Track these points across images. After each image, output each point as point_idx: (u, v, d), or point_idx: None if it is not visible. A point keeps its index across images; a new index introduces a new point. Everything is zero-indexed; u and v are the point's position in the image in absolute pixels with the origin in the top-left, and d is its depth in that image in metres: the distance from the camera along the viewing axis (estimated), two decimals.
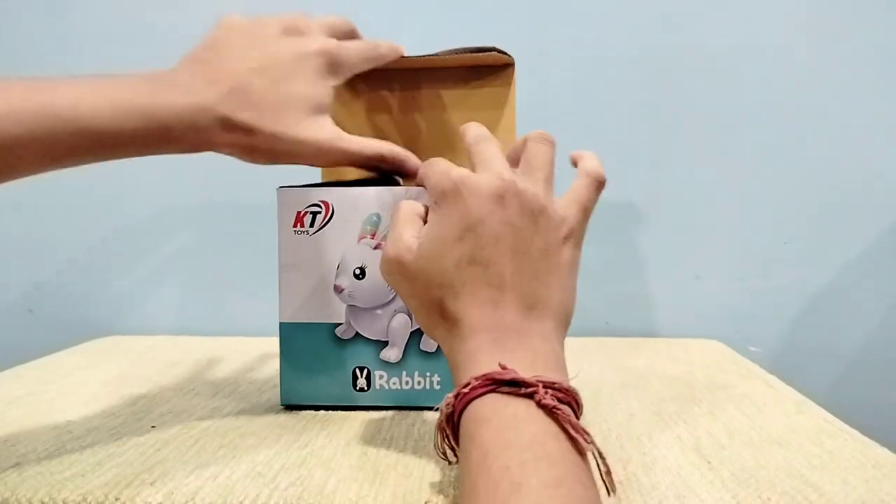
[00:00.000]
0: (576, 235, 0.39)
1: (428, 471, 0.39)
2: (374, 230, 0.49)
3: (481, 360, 0.33)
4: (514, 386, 0.31)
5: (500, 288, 0.35)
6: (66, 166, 0.40)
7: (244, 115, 0.41)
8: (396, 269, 0.38)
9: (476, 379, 0.31)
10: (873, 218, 0.77)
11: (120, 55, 0.82)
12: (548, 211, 0.37)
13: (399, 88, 0.59)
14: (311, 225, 0.49)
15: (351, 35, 0.50)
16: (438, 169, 0.38)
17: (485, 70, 0.56)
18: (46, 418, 0.49)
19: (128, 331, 0.82)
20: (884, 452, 0.42)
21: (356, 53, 0.47)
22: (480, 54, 0.54)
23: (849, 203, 0.77)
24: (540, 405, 0.30)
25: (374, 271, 0.49)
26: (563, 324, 0.37)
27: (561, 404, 0.30)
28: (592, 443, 0.29)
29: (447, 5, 0.78)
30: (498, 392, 0.31)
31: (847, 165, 0.77)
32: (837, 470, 0.39)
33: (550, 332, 0.35)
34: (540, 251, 0.36)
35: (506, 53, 0.54)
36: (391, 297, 0.49)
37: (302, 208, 0.49)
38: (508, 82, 0.56)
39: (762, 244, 0.79)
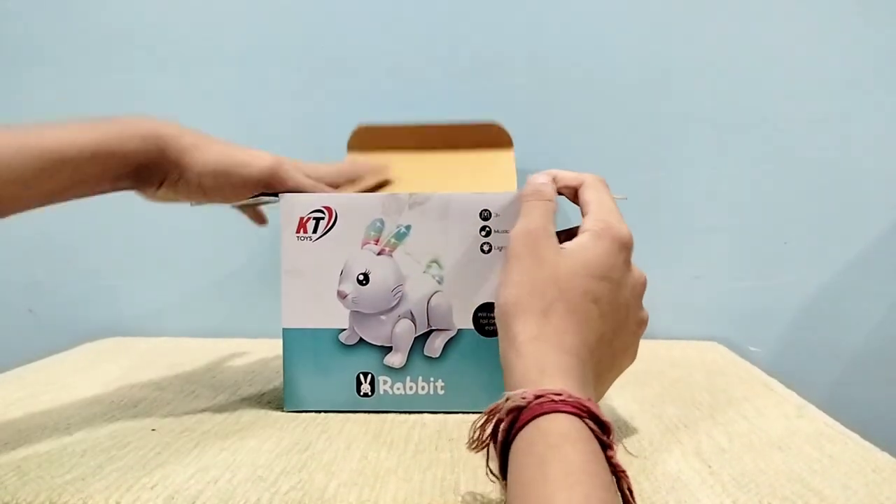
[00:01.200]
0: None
1: (429, 475, 0.39)
2: (378, 236, 0.49)
3: (573, 385, 0.33)
4: (599, 427, 0.31)
5: (597, 341, 0.38)
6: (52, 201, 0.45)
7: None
8: (533, 242, 0.39)
9: (571, 397, 0.32)
10: (873, 218, 0.77)
11: (120, 55, 0.81)
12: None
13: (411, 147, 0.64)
14: (315, 231, 0.50)
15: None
16: (609, 202, 0.42)
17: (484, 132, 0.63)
18: (47, 420, 0.49)
19: (128, 332, 0.82)
20: (884, 457, 0.42)
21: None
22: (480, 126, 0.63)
23: (849, 203, 0.77)
24: (611, 461, 0.31)
25: (377, 277, 0.49)
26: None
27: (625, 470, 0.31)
28: None
29: (450, 11, 0.78)
30: (584, 422, 0.31)
31: (847, 165, 0.77)
32: (837, 474, 0.39)
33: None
34: (624, 348, 0.42)
35: (504, 130, 0.63)
36: (395, 302, 0.49)
37: (305, 214, 0.50)
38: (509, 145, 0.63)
39: (762, 244, 0.79)
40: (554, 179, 0.44)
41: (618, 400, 0.54)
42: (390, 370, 0.50)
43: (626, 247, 0.40)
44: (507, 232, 0.48)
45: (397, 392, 0.50)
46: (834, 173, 0.77)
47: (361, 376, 0.50)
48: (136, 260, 0.83)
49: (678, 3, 0.77)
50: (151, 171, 0.47)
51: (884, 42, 0.75)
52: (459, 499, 0.36)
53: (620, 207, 0.42)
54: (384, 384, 0.50)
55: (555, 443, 0.29)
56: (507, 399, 0.33)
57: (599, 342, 0.38)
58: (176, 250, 0.83)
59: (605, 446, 0.31)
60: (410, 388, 0.50)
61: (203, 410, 0.51)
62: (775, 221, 0.78)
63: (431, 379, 0.50)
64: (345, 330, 0.50)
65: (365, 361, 0.50)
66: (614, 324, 0.39)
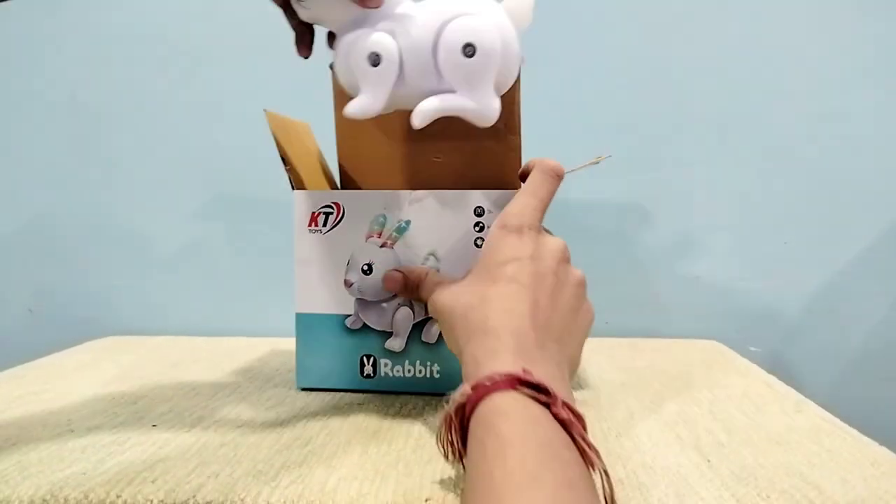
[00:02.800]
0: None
1: (429, 469, 0.39)
2: (381, 230, 0.53)
3: (504, 359, 0.34)
4: (535, 390, 0.32)
5: (531, 309, 0.39)
6: None
7: None
8: (513, 228, 0.42)
9: (499, 375, 0.32)
10: (873, 218, 0.77)
11: (120, 56, 0.82)
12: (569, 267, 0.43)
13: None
14: (325, 224, 0.53)
15: None
16: (525, 187, 0.44)
17: None
18: (48, 417, 0.49)
19: (128, 331, 0.82)
20: (882, 451, 0.42)
21: None
22: None
23: (849, 203, 0.77)
24: (556, 416, 0.31)
25: (380, 268, 0.52)
26: (571, 373, 0.40)
27: (574, 420, 0.31)
28: (601, 460, 0.30)
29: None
30: (519, 391, 0.32)
31: (847, 165, 0.77)
32: (836, 468, 0.39)
33: (563, 366, 0.38)
34: (573, 310, 0.42)
35: None
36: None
37: (316, 209, 0.53)
38: (513, 88, 0.56)
39: (762, 244, 0.79)
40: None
41: (617, 396, 0.54)
42: (391, 353, 0.53)
43: (506, 227, 0.42)
44: None
45: (397, 374, 0.54)
46: (834, 173, 0.77)
47: (364, 358, 0.54)
48: (136, 260, 0.84)
49: (678, 2, 0.77)
50: None
51: (884, 42, 0.75)
52: (460, 493, 0.36)
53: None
54: (385, 366, 0.54)
55: (490, 421, 0.31)
56: (450, 402, 0.34)
57: (534, 309, 0.38)
58: (175, 250, 0.83)
59: (547, 405, 0.31)
60: (409, 371, 0.53)
61: (203, 407, 0.51)
62: (775, 221, 0.79)
63: (428, 363, 0.53)
64: (350, 316, 0.53)
65: (368, 345, 0.54)
66: (544, 290, 0.40)
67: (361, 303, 0.53)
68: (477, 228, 0.52)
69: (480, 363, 0.35)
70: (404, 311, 0.53)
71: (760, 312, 0.79)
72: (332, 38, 0.45)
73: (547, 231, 0.45)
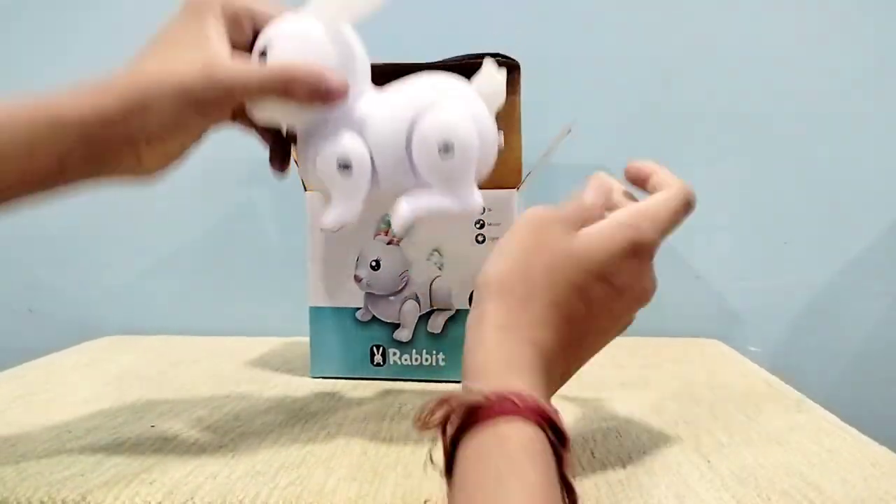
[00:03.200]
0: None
1: (428, 470, 0.39)
2: (388, 228, 0.56)
3: (535, 378, 0.32)
4: (556, 435, 0.29)
5: (576, 341, 0.35)
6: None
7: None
8: (539, 221, 0.36)
9: (533, 400, 0.29)
10: (873, 218, 0.77)
11: (120, 56, 0.82)
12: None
13: None
14: None
15: None
16: (666, 207, 0.38)
17: None
18: (46, 418, 0.49)
19: (127, 331, 0.82)
20: (882, 451, 0.42)
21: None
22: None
23: (849, 203, 0.77)
24: (562, 476, 0.28)
25: (387, 264, 0.57)
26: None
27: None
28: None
29: (453, 13, 0.78)
30: (544, 431, 0.28)
31: (847, 165, 0.77)
32: (836, 468, 0.39)
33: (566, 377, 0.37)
34: (601, 346, 0.39)
35: (509, 58, 0.54)
36: (402, 285, 0.57)
37: None
38: (514, 89, 0.56)
39: (762, 244, 0.79)
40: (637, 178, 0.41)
41: (617, 396, 0.54)
42: (399, 343, 0.58)
43: (640, 253, 0.36)
44: (499, 225, 0.55)
45: (405, 362, 0.58)
46: (834, 173, 0.77)
47: (374, 348, 0.58)
48: (135, 259, 0.84)
49: (679, 2, 0.77)
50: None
51: (884, 42, 0.75)
52: None
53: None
54: (393, 355, 0.58)
55: (514, 456, 0.27)
56: (466, 390, 0.30)
57: (578, 343, 0.36)
58: (175, 250, 0.83)
59: (560, 461, 0.28)
60: (416, 360, 0.58)
61: (202, 407, 0.51)
62: (775, 221, 0.78)
63: (434, 352, 0.57)
64: (360, 308, 0.58)
65: (377, 335, 0.58)
66: (601, 329, 0.37)
67: (370, 296, 0.57)
68: (477, 226, 0.56)
69: (512, 366, 0.32)
70: (411, 304, 0.57)
71: (760, 312, 0.79)
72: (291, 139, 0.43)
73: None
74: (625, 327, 0.39)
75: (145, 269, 0.84)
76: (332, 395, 0.54)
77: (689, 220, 0.82)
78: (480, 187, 0.54)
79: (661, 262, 0.81)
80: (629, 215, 0.36)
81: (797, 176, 0.78)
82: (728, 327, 0.79)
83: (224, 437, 0.45)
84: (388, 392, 0.55)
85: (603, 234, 0.36)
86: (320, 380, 0.59)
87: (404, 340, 0.57)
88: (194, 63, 0.37)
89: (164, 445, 0.43)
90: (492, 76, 0.40)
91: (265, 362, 0.66)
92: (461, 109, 0.39)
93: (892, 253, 0.77)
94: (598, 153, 0.79)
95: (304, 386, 0.58)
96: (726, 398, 0.53)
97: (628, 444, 0.43)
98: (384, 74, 0.57)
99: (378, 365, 0.58)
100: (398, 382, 0.58)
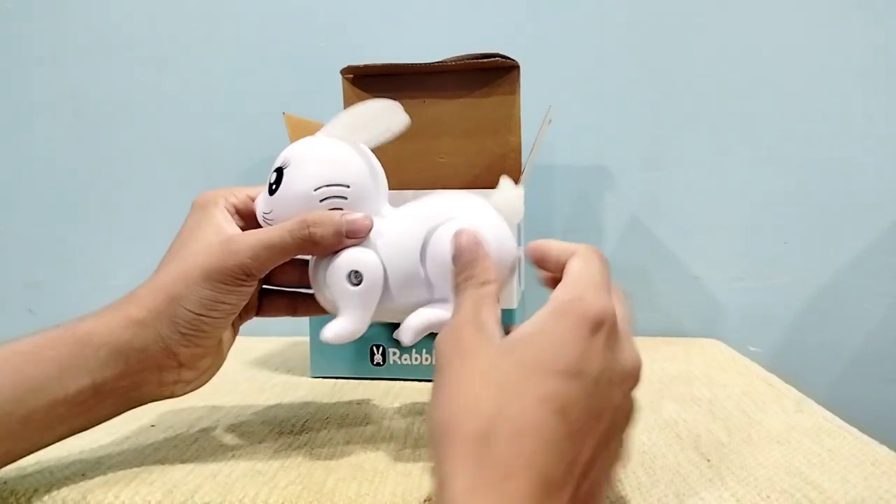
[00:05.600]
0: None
1: (428, 470, 0.39)
2: None
3: None
4: None
5: (565, 471, 0.25)
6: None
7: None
8: (457, 339, 0.29)
9: None
10: (873, 218, 0.77)
11: (120, 56, 0.82)
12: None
13: (408, 96, 0.59)
14: None
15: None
16: (594, 272, 0.31)
17: (492, 74, 0.57)
18: None
19: None
20: (883, 450, 0.42)
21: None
22: (484, 60, 0.56)
23: (849, 203, 0.77)
24: None
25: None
26: None
27: None
28: None
29: (452, 13, 0.78)
30: None
31: (847, 165, 0.77)
32: (837, 468, 0.39)
33: None
34: (610, 460, 0.29)
35: (509, 58, 0.55)
36: None
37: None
38: (514, 89, 0.57)
39: (762, 244, 0.79)
40: (539, 257, 0.35)
41: None
42: (398, 344, 0.55)
43: (600, 325, 0.28)
44: None
45: (404, 362, 0.58)
46: (834, 173, 0.77)
47: (374, 348, 0.59)
48: (135, 259, 0.83)
49: (678, 2, 0.77)
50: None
51: (884, 42, 0.75)
52: None
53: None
54: (393, 355, 0.59)
55: None
56: None
57: (568, 471, 0.25)
58: None
59: None
60: (416, 359, 0.58)
61: (201, 407, 0.51)
62: (775, 221, 0.78)
63: (434, 351, 0.55)
64: None
65: (377, 336, 0.58)
66: (593, 441, 0.27)
67: None
68: None
69: None
70: None
71: (760, 312, 0.79)
72: None
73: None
74: (629, 421, 0.30)
75: (145, 269, 0.83)
76: (331, 395, 0.54)
77: (689, 220, 0.83)
78: (480, 187, 0.54)
79: (661, 262, 0.82)
80: (563, 291, 0.30)
81: (797, 176, 0.78)
82: (728, 327, 0.79)
83: (223, 436, 0.45)
84: (387, 392, 0.55)
85: (546, 323, 0.28)
86: (320, 380, 0.60)
87: None
88: (212, 246, 0.38)
89: (164, 445, 0.43)
90: (509, 192, 0.40)
91: (265, 362, 0.66)
92: (478, 221, 0.38)
93: (892, 253, 0.77)
94: (598, 153, 0.79)
95: (304, 386, 0.58)
96: (726, 397, 0.53)
97: (627, 444, 0.43)
98: (384, 74, 0.58)
99: (378, 365, 0.59)
100: (398, 382, 0.58)
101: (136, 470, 0.39)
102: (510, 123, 0.57)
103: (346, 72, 0.59)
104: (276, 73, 0.80)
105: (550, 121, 0.58)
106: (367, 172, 0.39)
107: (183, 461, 0.40)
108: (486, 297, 0.32)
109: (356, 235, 0.37)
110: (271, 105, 0.78)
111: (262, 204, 0.40)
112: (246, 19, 0.80)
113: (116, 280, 0.84)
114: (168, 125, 0.82)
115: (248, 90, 0.81)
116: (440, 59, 0.57)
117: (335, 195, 0.38)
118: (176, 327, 0.37)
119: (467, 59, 0.56)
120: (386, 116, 0.39)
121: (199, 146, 0.82)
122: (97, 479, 0.38)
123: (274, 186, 0.38)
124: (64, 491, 0.36)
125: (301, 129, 0.59)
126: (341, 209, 0.38)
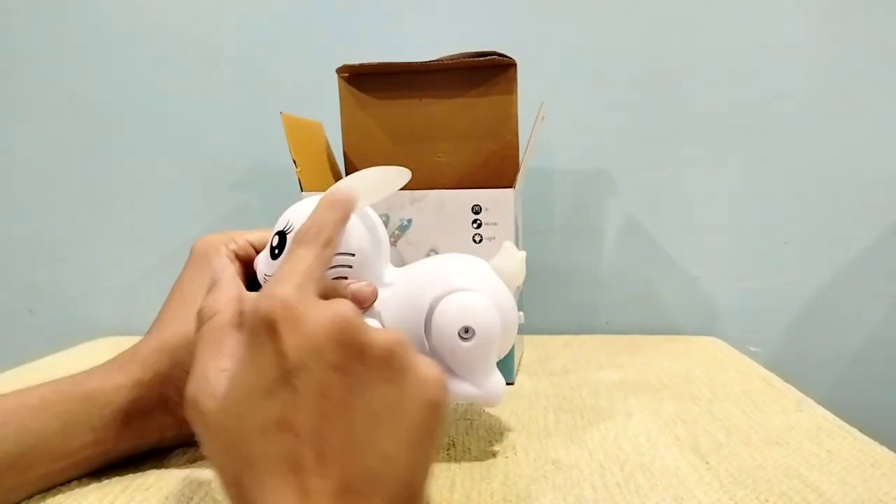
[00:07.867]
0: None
1: None
2: (402, 234, 0.55)
3: None
4: None
5: (313, 469, 0.24)
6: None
7: None
8: (195, 418, 0.27)
9: None
10: (873, 218, 0.77)
11: (120, 56, 0.82)
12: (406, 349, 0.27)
13: (405, 95, 0.59)
14: None
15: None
16: (265, 288, 0.28)
17: (489, 73, 0.57)
18: None
19: (127, 331, 0.82)
20: (882, 451, 0.41)
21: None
22: (481, 58, 0.56)
23: (849, 203, 0.77)
24: None
25: None
26: None
27: None
28: None
29: (451, 13, 0.78)
30: None
31: (847, 165, 0.77)
32: (836, 469, 0.39)
33: None
34: (387, 407, 0.26)
35: (507, 57, 0.55)
36: None
37: None
38: (511, 88, 0.56)
39: (762, 244, 0.78)
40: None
41: (616, 395, 0.53)
42: None
43: (268, 325, 0.26)
44: (496, 224, 0.54)
45: None
46: (834, 173, 0.77)
47: None
48: (136, 259, 0.83)
49: (679, 2, 0.77)
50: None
51: (884, 42, 0.75)
52: (455, 497, 0.36)
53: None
54: None
55: None
56: None
57: (330, 460, 0.24)
58: (175, 250, 0.83)
59: None
60: None
61: None
62: (775, 221, 0.78)
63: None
64: None
65: None
66: (340, 416, 0.25)
67: None
68: (475, 225, 0.55)
69: None
70: None
71: (760, 312, 0.79)
72: None
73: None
74: (386, 395, 0.26)
75: (145, 269, 0.84)
76: None
77: (688, 220, 0.82)
78: (477, 186, 0.54)
79: (662, 262, 0.82)
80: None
81: (797, 176, 0.77)
82: (728, 327, 0.79)
83: None
84: None
85: (237, 352, 0.28)
86: None
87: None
88: None
89: (160, 451, 0.43)
90: (511, 255, 0.40)
91: None
92: (480, 290, 0.37)
93: (892, 253, 0.77)
94: (598, 153, 0.79)
95: None
96: (725, 397, 0.53)
97: (626, 446, 0.43)
98: (380, 73, 0.58)
99: None
100: None
101: (132, 476, 0.39)
102: (508, 122, 0.57)
103: (341, 71, 0.59)
104: (275, 73, 0.80)
105: (543, 118, 0.58)
106: (371, 240, 0.38)
107: (179, 467, 0.40)
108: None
109: (361, 305, 0.36)
110: (270, 105, 0.78)
111: (265, 266, 0.38)
112: (245, 19, 0.79)
113: (115, 280, 0.84)
114: (167, 125, 0.82)
115: (246, 90, 0.80)
116: (437, 58, 0.57)
117: (340, 264, 0.37)
118: (179, 390, 0.37)
119: (464, 58, 0.56)
120: (396, 181, 0.39)
121: (198, 146, 0.82)
122: (92, 485, 0.37)
123: (277, 251, 0.37)
124: (59, 498, 0.36)
125: (298, 128, 0.59)
126: (346, 277, 0.37)
